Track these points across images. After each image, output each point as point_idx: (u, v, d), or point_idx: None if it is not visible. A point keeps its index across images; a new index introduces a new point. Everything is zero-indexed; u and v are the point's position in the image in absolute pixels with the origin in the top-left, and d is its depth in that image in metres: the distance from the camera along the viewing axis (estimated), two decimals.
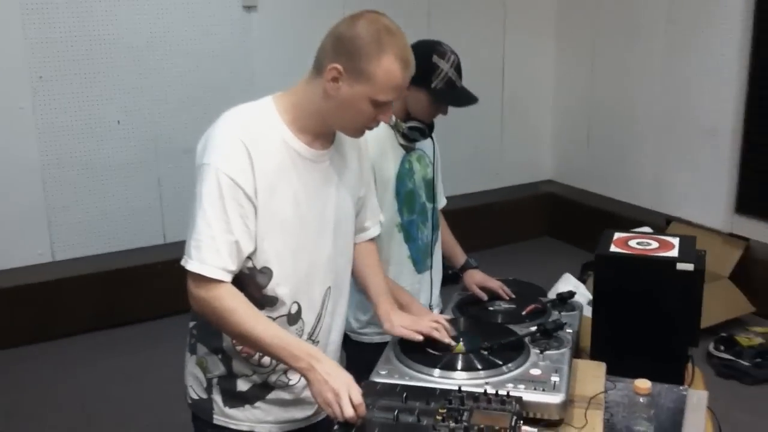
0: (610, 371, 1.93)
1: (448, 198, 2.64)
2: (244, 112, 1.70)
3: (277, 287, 1.72)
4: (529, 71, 5.51)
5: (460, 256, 2.57)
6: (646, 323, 2.09)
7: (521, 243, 5.68)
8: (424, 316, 1.97)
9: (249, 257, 1.68)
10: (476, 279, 2.43)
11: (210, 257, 1.61)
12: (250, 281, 1.70)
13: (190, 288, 1.64)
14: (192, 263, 1.62)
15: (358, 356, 2.33)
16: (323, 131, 1.74)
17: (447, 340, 1.88)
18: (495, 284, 2.39)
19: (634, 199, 5.02)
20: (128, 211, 4.24)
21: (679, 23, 4.60)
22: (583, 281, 3.11)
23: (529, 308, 2.25)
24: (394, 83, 1.65)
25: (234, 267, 1.64)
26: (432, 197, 2.45)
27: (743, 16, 4.21)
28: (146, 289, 4.35)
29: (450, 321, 1.98)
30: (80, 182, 4.10)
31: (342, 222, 1.83)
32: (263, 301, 1.71)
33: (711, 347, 3.91)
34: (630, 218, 4.83)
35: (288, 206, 1.69)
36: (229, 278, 1.64)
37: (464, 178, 5.16)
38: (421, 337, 1.88)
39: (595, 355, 2.07)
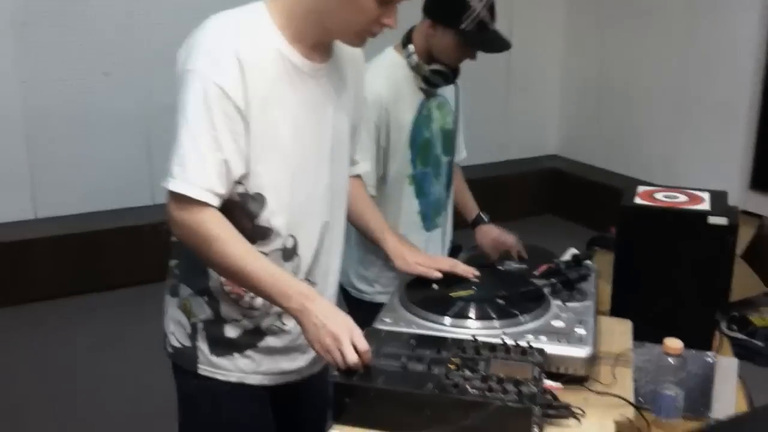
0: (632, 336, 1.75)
1: None
2: (234, 17, 1.50)
3: (271, 217, 1.54)
4: (537, 42, 5.35)
5: (472, 210, 2.40)
6: (672, 284, 1.93)
7: (523, 220, 5.45)
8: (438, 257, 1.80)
9: (240, 182, 1.50)
10: (491, 234, 2.25)
11: (196, 176, 1.43)
12: (242, 209, 1.52)
13: (172, 211, 1.46)
14: (175, 182, 1.43)
15: (358, 315, 2.15)
16: (320, 39, 1.55)
17: (472, 273, 1.72)
18: (510, 239, 2.21)
19: (644, 175, 4.85)
20: (115, 170, 4.05)
21: None
22: (589, 258, 2.98)
23: (541, 268, 2.06)
24: None
25: (222, 190, 1.45)
26: (449, 150, 2.27)
27: None
28: (132, 253, 4.15)
29: None
30: (65, 137, 3.92)
31: (339, 148, 1.66)
32: (255, 233, 1.53)
33: (724, 327, 3.78)
34: None
35: (284, 125, 1.51)
36: (216, 202, 1.46)
37: (468, 150, 4.96)
38: (440, 274, 1.72)
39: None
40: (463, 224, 2.42)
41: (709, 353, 1.88)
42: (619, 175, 5.10)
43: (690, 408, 1.70)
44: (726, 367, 1.87)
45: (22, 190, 3.87)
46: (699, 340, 1.89)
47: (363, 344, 1.38)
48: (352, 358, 1.35)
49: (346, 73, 1.66)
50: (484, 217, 2.36)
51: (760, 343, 3.66)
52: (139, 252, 4.08)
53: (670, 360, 1.64)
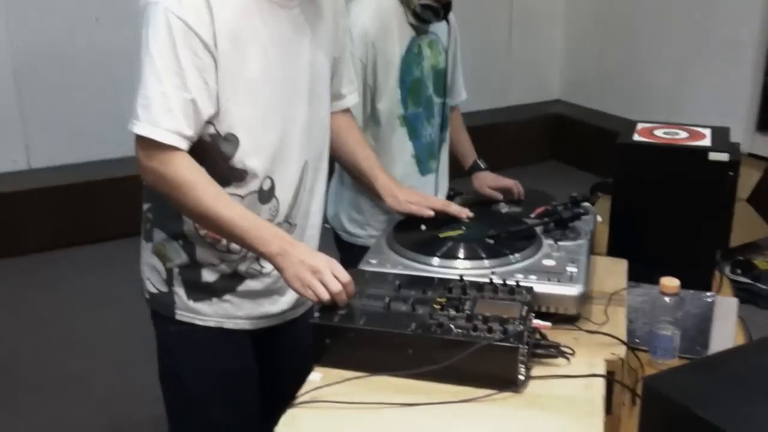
0: (629, 276, 1.70)
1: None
2: None
3: (246, 158, 1.47)
4: None
5: (469, 156, 2.32)
6: (672, 222, 1.88)
7: (526, 167, 5.39)
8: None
9: (210, 122, 1.43)
10: (488, 181, 2.19)
11: (162, 119, 1.35)
12: (214, 151, 1.45)
13: (140, 158, 1.39)
14: (140, 126, 1.36)
15: (349, 260, 2.10)
16: None
17: (465, 213, 1.67)
18: (509, 182, 2.15)
19: (649, 118, 4.74)
20: (110, 119, 3.96)
21: None
22: (592, 203, 2.93)
23: (537, 210, 2.00)
24: None
25: (191, 132, 1.38)
26: (441, 91, 2.18)
27: None
28: (128, 203, 4.07)
29: None
30: (58, 86, 3.84)
31: (316, 84, 1.58)
32: (230, 176, 1.47)
33: (727, 271, 3.74)
34: None
35: (255, 61, 1.44)
36: (185, 145, 1.39)
37: (468, 95, 4.87)
38: (431, 213, 1.66)
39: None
40: (460, 172, 2.35)
41: (708, 293, 1.83)
42: (623, 120, 4.97)
43: (687, 349, 1.66)
44: (725, 306, 1.82)
45: (15, 141, 3.80)
46: (698, 280, 1.84)
47: (344, 276, 1.33)
48: (335, 285, 1.31)
49: (323, 4, 1.58)
50: (481, 164, 2.28)
51: (764, 287, 3.60)
52: (135, 203, 4.01)
53: (667, 299, 1.59)
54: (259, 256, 1.44)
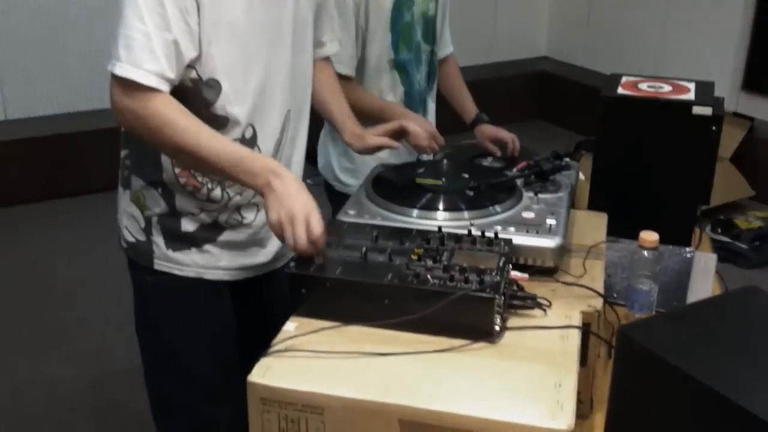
0: (609, 232, 1.69)
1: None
2: None
3: (228, 105, 1.44)
4: None
5: (471, 110, 2.32)
6: (653, 177, 1.87)
7: (510, 126, 5.34)
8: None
9: (192, 66, 1.39)
10: (488, 133, 2.18)
11: (144, 60, 1.32)
12: (196, 97, 1.42)
13: (118, 98, 1.35)
14: (121, 67, 1.32)
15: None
16: None
17: (427, 143, 1.68)
18: (506, 135, 2.16)
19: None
20: (90, 68, 3.88)
21: None
22: (576, 161, 2.91)
23: (520, 164, 1.98)
24: None
25: (172, 74, 1.35)
26: (430, 39, 2.16)
27: None
28: (107, 156, 4.01)
29: (433, 163, 1.73)
30: (35, 33, 3.73)
31: (300, 31, 1.54)
32: (211, 123, 1.43)
33: (708, 230, 3.75)
34: None
35: (237, 3, 1.40)
36: (166, 88, 1.35)
37: (453, 50, 4.81)
38: (396, 144, 1.65)
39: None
40: (461, 127, 2.32)
41: (687, 249, 1.83)
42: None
43: (664, 303, 1.66)
44: (704, 261, 1.82)
45: None
46: (678, 236, 1.83)
47: (317, 228, 1.30)
48: (301, 241, 1.29)
49: None
50: (483, 117, 2.27)
51: (744, 246, 3.62)
52: (113, 155, 3.95)
53: (645, 253, 1.59)
54: (247, 188, 1.40)
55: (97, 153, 4.00)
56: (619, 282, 1.71)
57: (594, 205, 1.88)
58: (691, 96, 1.85)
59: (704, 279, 1.77)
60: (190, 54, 1.37)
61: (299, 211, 1.30)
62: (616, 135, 1.87)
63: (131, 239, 1.58)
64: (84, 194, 4.03)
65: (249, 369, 1.15)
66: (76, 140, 4.03)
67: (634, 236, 1.62)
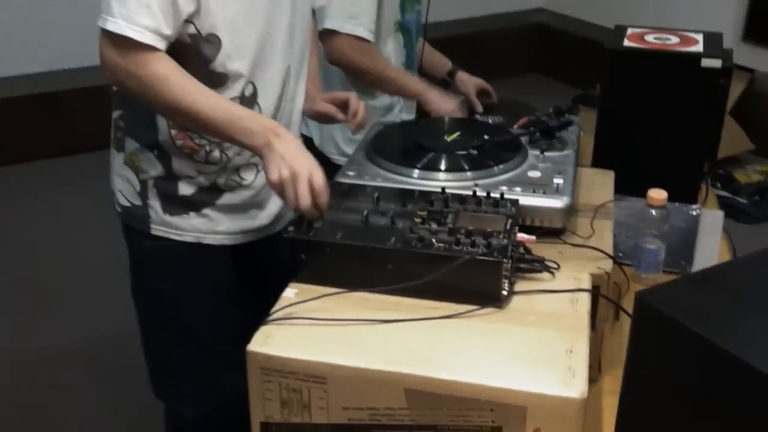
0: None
1: (429, 25, 2.22)
2: None
3: (227, 61, 1.38)
4: None
5: (446, 63, 2.23)
6: (659, 132, 1.82)
7: (506, 79, 5.27)
8: None
9: (191, 21, 1.32)
10: (470, 82, 2.10)
11: (139, 14, 1.24)
12: (195, 54, 1.35)
13: (109, 55, 1.28)
14: (113, 22, 1.25)
15: None
16: None
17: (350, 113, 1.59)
18: (484, 83, 2.10)
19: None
20: (79, 24, 3.75)
21: None
22: (572, 112, 2.86)
23: (521, 121, 1.93)
24: None
25: (169, 30, 1.28)
26: None
27: None
28: (98, 115, 3.94)
29: (434, 120, 1.66)
30: None
31: None
32: (210, 80, 1.37)
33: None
34: None
35: None
36: (163, 46, 1.28)
37: (446, 3, 4.70)
38: (343, 116, 1.59)
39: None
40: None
41: (693, 206, 1.79)
42: (605, 29, 4.86)
43: (671, 263, 1.63)
44: (711, 219, 1.78)
45: None
46: (684, 192, 1.79)
47: (320, 184, 1.25)
48: (305, 200, 1.24)
49: None
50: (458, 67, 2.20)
51: (744, 200, 3.59)
52: (105, 114, 3.87)
53: (653, 212, 1.55)
54: (246, 148, 1.35)
55: (85, 111, 3.92)
56: (625, 241, 1.67)
57: (598, 161, 1.83)
58: (699, 48, 1.80)
59: (711, 238, 1.73)
60: (187, 9, 1.30)
61: (301, 168, 1.25)
62: (623, 89, 1.81)
63: (126, 203, 1.52)
64: (73, 154, 3.96)
65: (249, 335, 1.11)
66: (66, 98, 3.94)
67: (639, 193, 1.58)
